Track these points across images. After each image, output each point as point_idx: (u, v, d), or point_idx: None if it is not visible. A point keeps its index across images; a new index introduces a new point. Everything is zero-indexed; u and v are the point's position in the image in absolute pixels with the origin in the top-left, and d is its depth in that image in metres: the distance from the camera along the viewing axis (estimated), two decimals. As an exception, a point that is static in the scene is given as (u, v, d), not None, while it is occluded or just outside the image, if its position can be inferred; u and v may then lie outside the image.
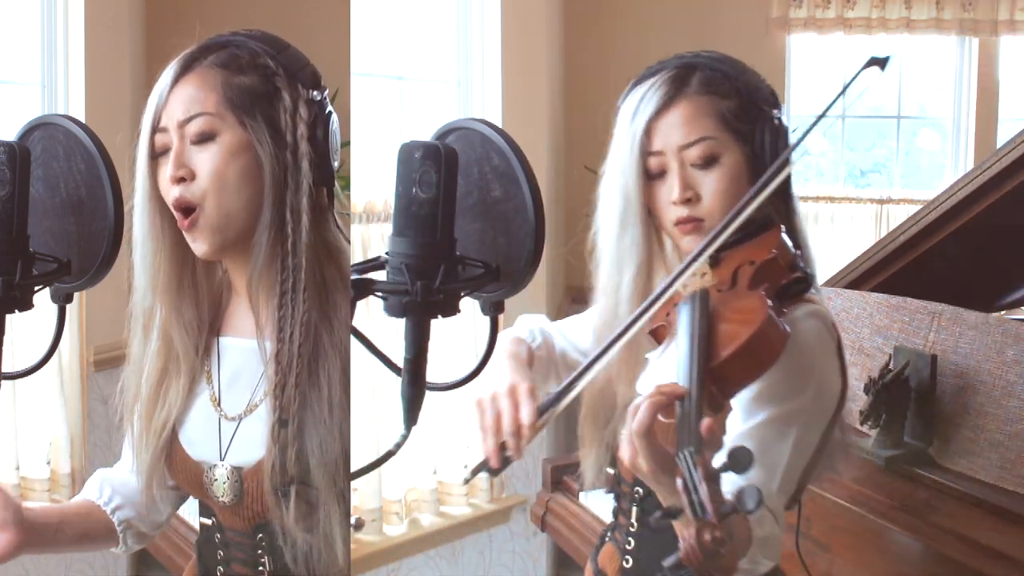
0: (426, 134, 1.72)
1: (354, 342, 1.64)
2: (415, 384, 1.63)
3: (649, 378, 1.89)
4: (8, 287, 1.94)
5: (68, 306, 2.12)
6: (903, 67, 6.98)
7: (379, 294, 1.60)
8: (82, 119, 2.08)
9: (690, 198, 1.93)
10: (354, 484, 3.20)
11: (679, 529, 1.59)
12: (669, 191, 1.95)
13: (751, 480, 1.49)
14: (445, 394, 1.80)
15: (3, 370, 2.01)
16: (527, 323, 2.24)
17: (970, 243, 3.12)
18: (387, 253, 1.62)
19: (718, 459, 1.50)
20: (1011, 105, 6.79)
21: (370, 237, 4.48)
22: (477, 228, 1.72)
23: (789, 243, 1.91)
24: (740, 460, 1.46)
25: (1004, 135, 6.35)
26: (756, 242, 1.90)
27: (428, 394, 1.65)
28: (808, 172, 6.73)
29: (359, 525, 4.55)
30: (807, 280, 1.92)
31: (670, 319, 1.86)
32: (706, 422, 1.53)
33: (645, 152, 1.95)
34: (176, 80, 1.88)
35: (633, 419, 1.58)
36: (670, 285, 1.81)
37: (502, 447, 1.79)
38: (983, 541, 2.39)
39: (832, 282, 3.33)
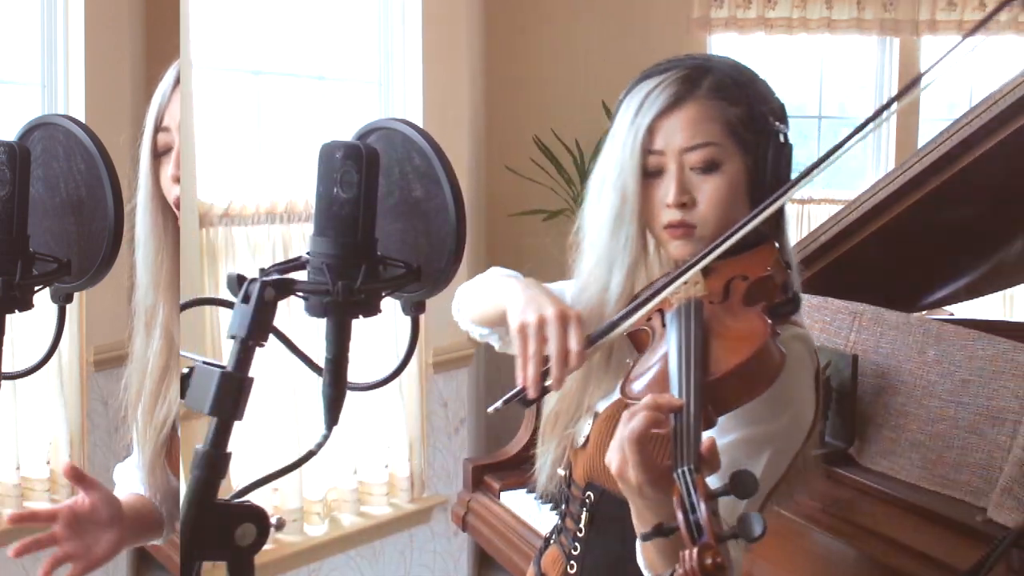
0: (347, 134, 1.71)
1: (275, 342, 1.62)
2: (336, 384, 1.62)
3: (632, 385, 1.81)
4: (8, 287, 1.94)
5: (68, 306, 2.13)
6: (824, 67, 7.04)
7: (300, 294, 1.59)
8: (82, 119, 2.08)
9: (685, 202, 1.90)
10: (275, 484, 3.19)
11: (647, 550, 1.58)
12: (664, 193, 1.92)
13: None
14: (366, 394, 1.78)
15: (3, 370, 2.01)
16: (505, 272, 2.15)
17: (891, 243, 3.13)
18: (308, 253, 1.61)
19: (715, 480, 1.46)
20: (932, 105, 6.86)
21: (291, 237, 4.48)
22: (398, 228, 1.71)
23: (783, 262, 1.89)
24: (744, 485, 1.41)
25: (925, 135, 6.41)
26: (749, 256, 1.88)
27: (349, 394, 1.64)
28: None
29: (280, 525, 4.55)
30: (795, 302, 1.89)
31: (652, 324, 1.84)
32: (707, 441, 1.49)
33: (646, 150, 1.92)
34: (178, 80, 1.88)
35: (626, 426, 1.54)
36: (664, 288, 1.81)
37: (543, 375, 1.75)
38: (904, 541, 2.40)
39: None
